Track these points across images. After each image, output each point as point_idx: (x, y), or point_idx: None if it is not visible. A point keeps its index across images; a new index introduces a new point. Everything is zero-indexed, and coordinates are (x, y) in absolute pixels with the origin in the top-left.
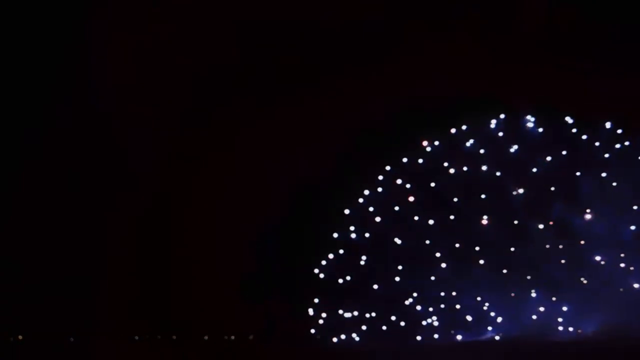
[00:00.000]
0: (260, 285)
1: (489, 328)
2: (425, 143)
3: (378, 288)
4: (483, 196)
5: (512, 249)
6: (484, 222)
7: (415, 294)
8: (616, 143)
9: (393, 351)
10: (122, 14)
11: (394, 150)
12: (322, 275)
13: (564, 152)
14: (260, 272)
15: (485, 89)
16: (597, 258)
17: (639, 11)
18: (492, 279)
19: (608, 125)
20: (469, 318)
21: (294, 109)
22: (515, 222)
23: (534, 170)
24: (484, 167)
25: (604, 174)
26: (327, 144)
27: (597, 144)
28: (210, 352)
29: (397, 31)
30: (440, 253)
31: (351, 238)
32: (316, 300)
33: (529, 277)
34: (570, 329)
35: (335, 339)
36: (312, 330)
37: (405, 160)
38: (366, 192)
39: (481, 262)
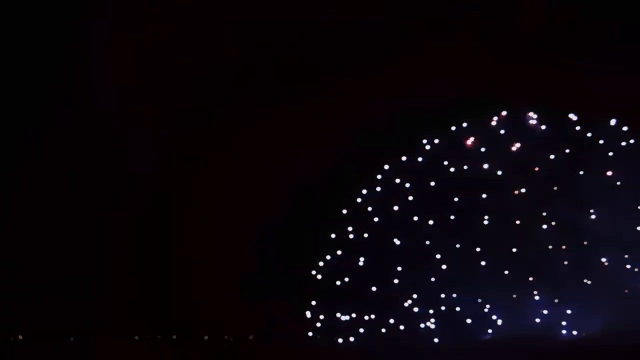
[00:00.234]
0: (260, 285)
1: (490, 330)
2: (424, 141)
3: (377, 289)
4: (484, 196)
5: (514, 250)
6: (485, 222)
7: (415, 296)
8: (620, 141)
9: (393, 351)
10: (122, 14)
11: (393, 150)
12: (321, 276)
13: (566, 151)
14: (260, 272)
15: (485, 89)
16: (602, 259)
17: (638, 11)
18: (493, 280)
19: (612, 122)
20: (469, 321)
21: (294, 109)
22: (517, 222)
23: (536, 169)
24: (485, 166)
25: (608, 173)
26: (327, 144)
27: (600, 142)
28: (210, 352)
29: (397, 31)
30: (441, 254)
31: (350, 238)
32: (316, 300)
33: (531, 279)
34: (575, 332)
35: (334, 339)
36: (311, 332)
37: (404, 159)
38: (366, 191)
39: (483, 263)
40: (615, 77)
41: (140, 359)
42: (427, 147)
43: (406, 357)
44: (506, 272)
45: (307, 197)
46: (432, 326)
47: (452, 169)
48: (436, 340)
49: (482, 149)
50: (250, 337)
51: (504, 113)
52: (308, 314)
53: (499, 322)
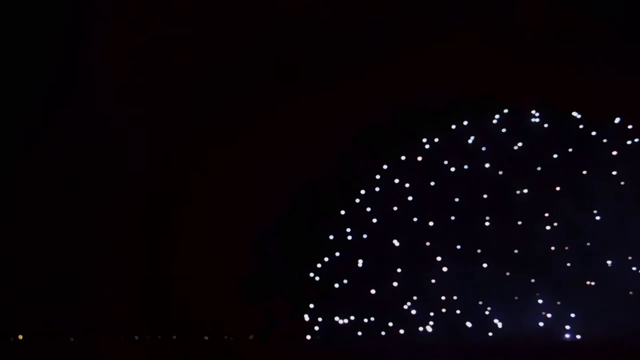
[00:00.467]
0: (260, 286)
1: (490, 334)
2: (424, 141)
3: (377, 290)
4: (485, 196)
5: (516, 251)
6: (487, 223)
7: (415, 297)
8: (624, 140)
9: (393, 351)
10: (122, 14)
11: (393, 150)
12: (321, 276)
13: (569, 150)
14: (260, 273)
15: (486, 88)
16: (605, 259)
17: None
18: (494, 281)
19: (616, 120)
20: (469, 324)
21: (294, 109)
22: (519, 222)
23: (538, 169)
24: (487, 166)
25: (613, 172)
26: (327, 144)
27: (604, 141)
28: (210, 352)
29: (397, 31)
30: (441, 255)
31: (349, 239)
32: (315, 302)
33: (533, 281)
34: (579, 336)
35: (334, 339)
36: (311, 332)
37: (404, 159)
38: (366, 191)
39: (485, 265)
40: (618, 75)
41: (140, 359)
42: (427, 146)
43: (406, 356)
44: (507, 273)
45: (306, 197)
46: (430, 329)
47: (452, 169)
48: (435, 341)
49: (483, 148)
50: (250, 337)
51: (505, 111)
52: (306, 317)
53: (499, 324)
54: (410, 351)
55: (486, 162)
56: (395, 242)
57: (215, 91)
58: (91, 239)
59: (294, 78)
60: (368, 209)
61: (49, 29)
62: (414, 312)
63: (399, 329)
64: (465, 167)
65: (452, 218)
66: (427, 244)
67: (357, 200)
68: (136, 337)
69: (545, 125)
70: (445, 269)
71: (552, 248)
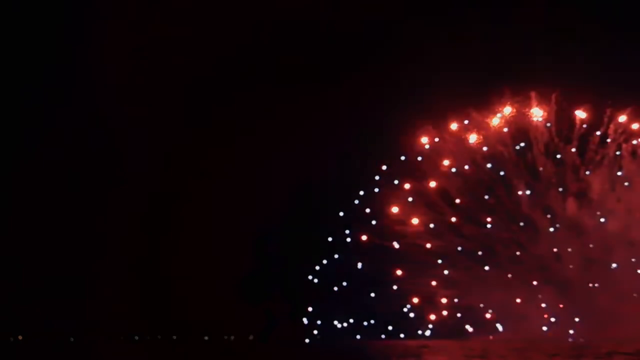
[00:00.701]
0: (260, 286)
1: (491, 337)
2: (424, 140)
3: (377, 292)
4: (486, 197)
5: (518, 253)
6: (488, 225)
7: (415, 300)
8: (630, 139)
9: (392, 351)
10: (122, 14)
11: (393, 150)
12: (321, 277)
13: (572, 150)
14: (260, 273)
15: (486, 88)
16: (609, 261)
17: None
18: (496, 283)
19: (621, 119)
20: (468, 327)
21: (294, 109)
22: (522, 224)
23: (540, 169)
24: (489, 166)
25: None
26: (327, 144)
27: (608, 140)
28: (210, 352)
29: (397, 31)
30: (442, 257)
31: (349, 240)
32: (314, 303)
33: (535, 283)
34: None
35: (333, 339)
36: (311, 333)
37: (403, 159)
38: (366, 192)
39: (486, 268)
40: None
41: (140, 359)
42: (427, 147)
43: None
44: (510, 275)
45: (306, 197)
46: (429, 333)
47: (453, 170)
48: (434, 343)
49: (484, 148)
50: (250, 337)
51: (507, 111)
52: (305, 320)
53: (500, 327)
54: (410, 347)
55: (488, 162)
56: (395, 244)
57: (215, 91)
58: (91, 239)
59: (294, 78)
60: (367, 210)
61: (49, 29)
62: (413, 313)
63: (399, 329)
64: (466, 167)
65: (453, 219)
66: (428, 245)
67: (356, 202)
68: (136, 337)
69: (554, 124)
70: (446, 272)
71: (555, 249)
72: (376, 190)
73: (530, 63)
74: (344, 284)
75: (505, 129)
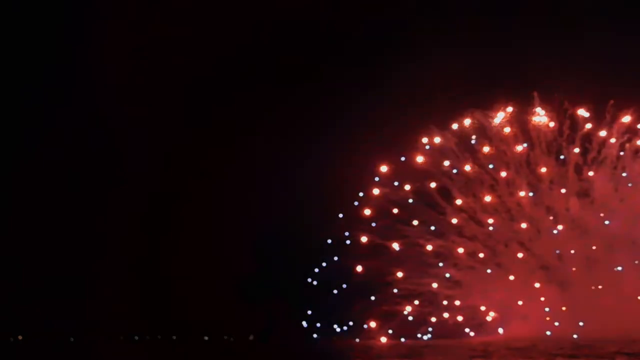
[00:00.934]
0: (260, 286)
1: (492, 338)
2: (425, 140)
3: (377, 294)
4: (488, 198)
5: (520, 255)
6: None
7: (416, 302)
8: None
9: (394, 351)
10: (122, 14)
11: (394, 150)
12: (320, 278)
13: (575, 150)
14: (260, 273)
15: (487, 88)
16: (612, 262)
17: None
18: (498, 284)
19: (626, 119)
20: (470, 328)
21: (294, 109)
22: (524, 225)
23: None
24: (490, 166)
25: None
26: (328, 144)
27: (612, 140)
28: (210, 352)
29: (397, 31)
30: (443, 259)
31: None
32: (313, 305)
33: (537, 284)
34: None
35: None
36: (310, 333)
37: (403, 160)
38: (367, 193)
39: (489, 271)
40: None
41: (140, 359)
42: (427, 147)
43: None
44: (512, 277)
45: (306, 197)
46: (429, 335)
47: (454, 170)
48: (436, 343)
49: (486, 149)
50: (250, 337)
51: (509, 110)
52: (304, 324)
53: (502, 328)
54: (410, 347)
55: (489, 163)
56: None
57: (215, 91)
58: (91, 239)
59: (294, 78)
60: (367, 212)
61: (49, 29)
62: (414, 316)
63: (399, 331)
64: (467, 168)
65: (455, 221)
66: (429, 248)
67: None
68: (136, 337)
69: (557, 124)
70: (448, 274)
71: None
72: (376, 191)
73: (531, 63)
74: (344, 286)
75: (507, 129)
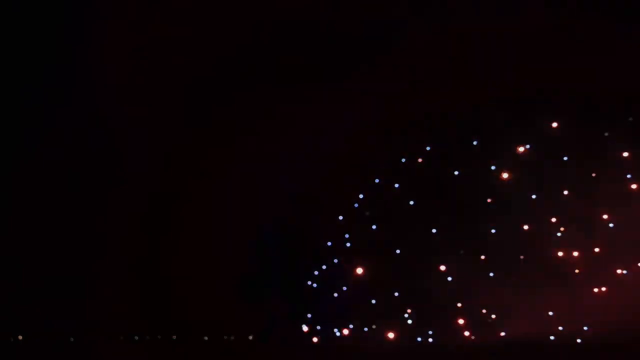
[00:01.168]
0: (260, 286)
1: (495, 339)
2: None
3: (378, 298)
4: (489, 200)
5: (522, 257)
6: (493, 230)
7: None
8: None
9: (396, 351)
10: (122, 14)
11: (394, 152)
12: (320, 281)
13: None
14: (260, 273)
15: (488, 87)
16: (619, 264)
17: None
18: (501, 286)
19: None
20: (471, 329)
21: (294, 109)
22: (525, 227)
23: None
24: (493, 168)
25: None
26: (328, 144)
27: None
28: (210, 352)
29: (398, 30)
30: (444, 263)
31: (348, 244)
32: (314, 309)
33: (541, 286)
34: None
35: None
36: (310, 334)
37: (404, 161)
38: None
39: (491, 274)
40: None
41: (140, 359)
42: (428, 148)
43: (407, 356)
44: (515, 278)
45: (306, 197)
46: (431, 340)
47: (456, 172)
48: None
49: (489, 150)
50: (250, 337)
51: (509, 113)
52: (305, 328)
53: (504, 330)
54: (410, 347)
55: (492, 165)
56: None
57: (215, 91)
58: (91, 239)
59: (294, 78)
60: (367, 214)
61: (49, 29)
62: (414, 321)
63: (399, 337)
64: (470, 170)
65: (456, 223)
66: (430, 248)
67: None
68: (136, 337)
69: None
70: (450, 278)
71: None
72: (376, 192)
73: (532, 62)
74: (344, 288)
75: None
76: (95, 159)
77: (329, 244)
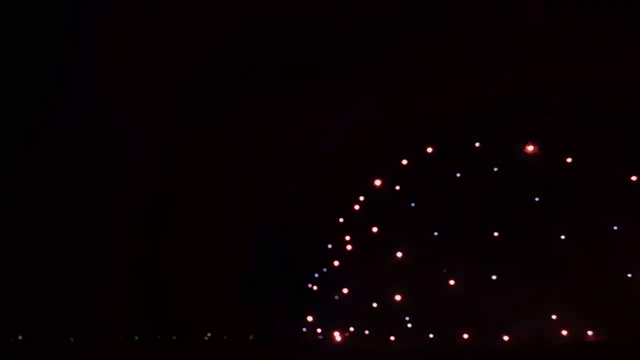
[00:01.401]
0: (260, 286)
1: (497, 341)
2: (426, 143)
3: (377, 302)
4: (489, 200)
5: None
6: (495, 233)
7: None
8: None
9: (394, 352)
10: (122, 14)
11: (395, 153)
12: (320, 283)
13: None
14: (260, 273)
15: (488, 87)
16: (623, 268)
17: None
18: (504, 289)
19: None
20: (473, 330)
21: (294, 109)
22: (526, 227)
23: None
24: (495, 169)
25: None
26: (328, 144)
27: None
28: (210, 352)
29: (398, 31)
30: (445, 266)
31: (348, 245)
32: (314, 311)
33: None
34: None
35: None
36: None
37: (405, 163)
38: (366, 194)
39: (493, 277)
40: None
41: (140, 359)
42: (429, 149)
43: (407, 356)
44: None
45: (306, 197)
46: (431, 342)
47: (457, 174)
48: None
49: (489, 151)
50: (250, 337)
51: (510, 114)
52: (304, 329)
53: (507, 332)
54: (411, 348)
55: (494, 166)
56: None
57: (215, 91)
58: (91, 239)
59: (294, 78)
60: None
61: (49, 29)
62: (414, 324)
63: (399, 338)
64: (471, 172)
65: (456, 225)
66: (431, 250)
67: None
68: (136, 337)
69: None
70: (450, 279)
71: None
72: (377, 193)
73: (532, 62)
74: (345, 291)
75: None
76: (95, 159)
77: (329, 246)
